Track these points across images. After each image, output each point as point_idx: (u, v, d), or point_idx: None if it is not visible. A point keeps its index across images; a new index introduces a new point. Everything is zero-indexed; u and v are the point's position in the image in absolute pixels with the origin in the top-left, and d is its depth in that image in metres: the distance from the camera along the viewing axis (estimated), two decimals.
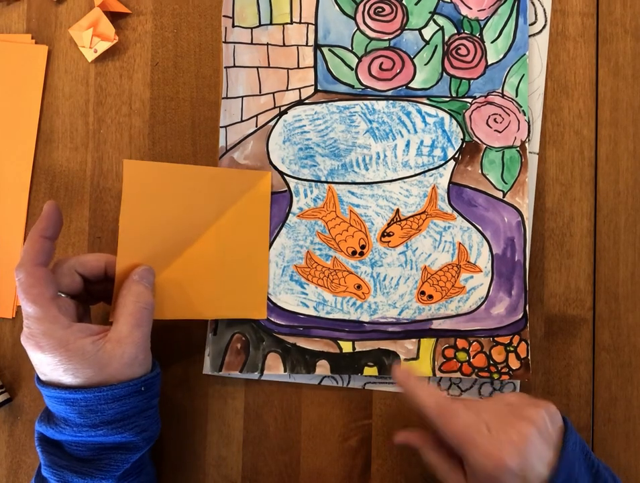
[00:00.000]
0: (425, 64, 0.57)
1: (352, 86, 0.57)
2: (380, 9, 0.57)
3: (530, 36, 0.58)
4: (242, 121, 0.57)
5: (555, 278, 0.57)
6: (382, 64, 0.57)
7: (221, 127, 0.57)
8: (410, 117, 0.57)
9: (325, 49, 0.57)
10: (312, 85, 0.57)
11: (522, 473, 0.43)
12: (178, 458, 0.56)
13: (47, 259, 0.47)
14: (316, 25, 0.57)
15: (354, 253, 0.56)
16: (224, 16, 0.57)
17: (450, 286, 0.56)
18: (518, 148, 0.57)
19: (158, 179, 0.51)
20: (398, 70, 0.57)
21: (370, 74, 0.57)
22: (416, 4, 0.57)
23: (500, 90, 0.57)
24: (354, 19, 0.57)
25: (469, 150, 0.57)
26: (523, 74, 0.57)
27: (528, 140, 0.57)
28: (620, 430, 0.57)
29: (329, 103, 0.57)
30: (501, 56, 0.57)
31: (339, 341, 0.56)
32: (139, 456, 0.48)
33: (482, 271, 0.56)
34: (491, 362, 0.55)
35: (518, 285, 0.56)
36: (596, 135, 0.58)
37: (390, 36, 0.57)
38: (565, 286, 0.57)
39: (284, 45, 0.57)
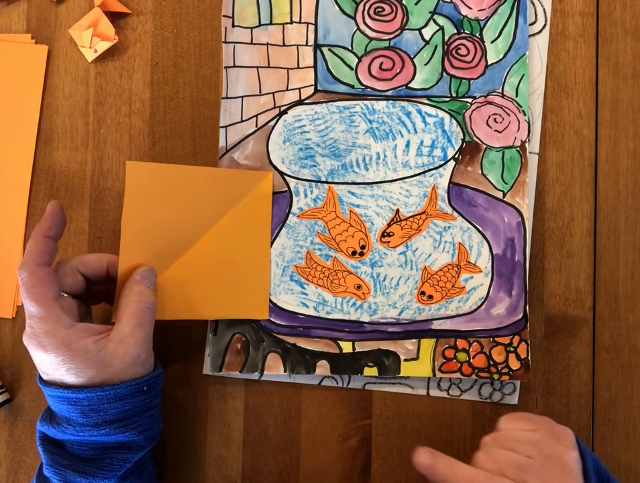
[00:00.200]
0: (425, 64, 0.57)
1: (352, 86, 0.57)
2: (380, 9, 0.57)
3: (530, 36, 0.58)
4: (242, 121, 0.57)
5: (555, 278, 0.57)
6: (382, 64, 0.57)
7: (221, 127, 0.57)
8: (410, 117, 0.57)
9: (324, 49, 0.57)
10: (312, 85, 0.57)
11: None
12: (178, 458, 0.56)
13: (50, 259, 0.47)
14: (316, 25, 0.57)
15: (354, 253, 0.56)
16: (224, 16, 0.57)
17: (450, 287, 0.56)
18: (518, 148, 0.57)
19: (160, 180, 0.51)
20: (398, 70, 0.57)
21: (370, 74, 0.57)
22: (416, 4, 0.57)
23: (500, 90, 0.57)
24: (354, 18, 0.57)
25: (469, 150, 0.57)
26: (523, 74, 0.57)
27: (528, 140, 0.57)
28: (620, 430, 0.57)
29: (329, 103, 0.57)
30: (501, 56, 0.57)
31: (339, 342, 0.56)
32: (141, 455, 0.48)
33: (482, 271, 0.56)
34: (491, 362, 0.55)
35: (518, 285, 0.56)
36: (596, 135, 0.58)
37: (390, 36, 0.57)
38: (565, 286, 0.57)
39: (284, 45, 0.57)
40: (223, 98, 0.57)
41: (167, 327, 0.55)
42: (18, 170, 0.57)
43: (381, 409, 0.57)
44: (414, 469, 0.56)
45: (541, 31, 0.58)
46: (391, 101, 0.57)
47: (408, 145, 0.57)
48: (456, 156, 0.57)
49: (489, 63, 0.57)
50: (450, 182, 0.57)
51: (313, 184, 0.57)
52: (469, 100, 0.57)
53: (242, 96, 0.57)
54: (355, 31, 0.57)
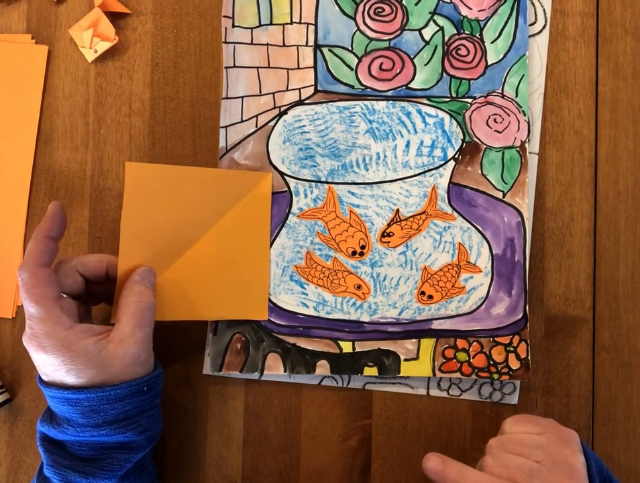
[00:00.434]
0: (425, 64, 0.57)
1: (352, 87, 0.57)
2: (380, 9, 0.57)
3: (530, 36, 0.58)
4: (242, 121, 0.57)
5: (555, 278, 0.57)
6: (382, 64, 0.57)
7: (221, 127, 0.57)
8: (410, 117, 0.57)
9: (324, 50, 0.57)
10: (312, 85, 0.57)
11: None
12: (178, 458, 0.56)
13: (50, 259, 0.47)
14: (316, 25, 0.57)
15: (354, 253, 0.56)
16: (224, 16, 0.57)
17: (450, 286, 0.56)
18: (518, 148, 0.57)
19: (159, 181, 0.51)
20: (398, 71, 0.57)
21: (370, 75, 0.57)
22: (416, 4, 0.57)
23: (500, 91, 0.57)
24: (354, 19, 0.57)
25: (469, 150, 0.57)
26: (523, 75, 0.57)
27: (528, 140, 0.57)
28: (620, 430, 0.57)
29: (329, 103, 0.57)
30: (501, 56, 0.57)
31: (339, 341, 0.56)
32: (141, 456, 0.48)
33: (481, 271, 0.56)
34: (491, 362, 0.55)
35: (518, 285, 0.56)
36: (596, 135, 0.58)
37: (390, 36, 0.57)
38: (565, 286, 0.57)
39: (284, 45, 0.57)
40: (223, 98, 0.57)
41: (167, 327, 0.55)
42: (18, 170, 0.57)
43: (381, 409, 0.57)
44: (414, 469, 0.56)
45: (541, 31, 0.58)
46: (391, 101, 0.57)
47: (408, 145, 0.57)
48: (456, 156, 0.57)
49: (489, 63, 0.57)
50: (450, 182, 0.57)
51: (313, 184, 0.57)
52: (469, 100, 0.57)
53: (242, 97, 0.57)
54: (355, 31, 0.57)
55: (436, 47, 0.57)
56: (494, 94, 0.57)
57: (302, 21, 0.57)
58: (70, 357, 0.45)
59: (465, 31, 0.57)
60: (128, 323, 0.47)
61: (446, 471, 0.45)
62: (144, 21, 0.58)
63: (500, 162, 0.57)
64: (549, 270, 0.57)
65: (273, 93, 0.57)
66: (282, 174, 0.57)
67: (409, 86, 0.57)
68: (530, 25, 0.58)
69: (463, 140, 0.57)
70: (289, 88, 0.57)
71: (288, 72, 0.57)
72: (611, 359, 0.57)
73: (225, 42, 0.57)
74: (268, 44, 0.57)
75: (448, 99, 0.57)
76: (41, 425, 0.48)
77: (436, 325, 0.56)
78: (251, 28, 0.57)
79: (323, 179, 0.57)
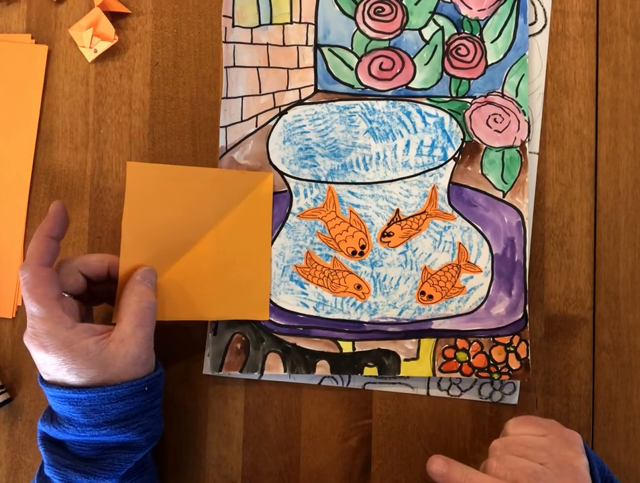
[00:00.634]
0: (425, 64, 0.57)
1: (352, 86, 0.57)
2: (380, 9, 0.57)
3: (530, 36, 0.58)
4: (242, 121, 0.57)
5: (555, 278, 0.57)
6: (382, 64, 0.57)
7: (221, 127, 0.57)
8: (410, 117, 0.57)
9: (324, 49, 0.57)
10: (312, 85, 0.57)
11: None
12: (178, 458, 0.56)
13: (52, 259, 0.47)
14: (316, 25, 0.57)
15: (354, 253, 0.56)
16: (224, 16, 0.57)
17: (450, 286, 0.56)
18: (518, 148, 0.57)
19: (161, 181, 0.51)
20: (398, 70, 0.57)
21: (370, 74, 0.57)
22: (416, 4, 0.57)
23: (500, 90, 0.57)
24: (354, 18, 0.57)
25: (469, 150, 0.57)
26: (523, 74, 0.57)
27: (528, 140, 0.57)
28: (620, 430, 0.57)
29: (329, 103, 0.57)
30: (501, 56, 0.57)
31: (339, 341, 0.56)
32: (142, 456, 0.48)
33: (482, 271, 0.56)
34: (491, 362, 0.55)
35: (518, 285, 0.56)
36: (596, 135, 0.58)
37: (390, 36, 0.57)
38: (565, 286, 0.57)
39: (284, 45, 0.57)
40: (223, 98, 0.57)
41: (167, 327, 0.55)
42: (18, 170, 0.57)
43: (381, 409, 0.57)
44: (414, 469, 0.56)
45: (541, 31, 0.58)
46: (391, 101, 0.57)
47: (408, 145, 0.57)
48: (456, 156, 0.57)
49: (489, 63, 0.57)
50: (450, 182, 0.57)
51: (313, 184, 0.57)
52: (469, 100, 0.57)
53: (242, 96, 0.57)
54: (355, 31, 0.57)
55: (436, 46, 0.57)
56: (494, 93, 0.57)
57: (302, 21, 0.57)
58: (71, 357, 0.45)
59: (465, 31, 0.57)
60: (129, 322, 0.47)
61: (451, 474, 0.45)
62: (144, 21, 0.58)
63: (500, 161, 0.57)
64: (549, 270, 0.57)
65: (273, 93, 0.57)
66: (282, 173, 0.56)
67: (409, 85, 0.57)
68: (530, 25, 0.58)
69: (463, 140, 0.57)
70: (289, 88, 0.57)
71: (288, 71, 0.57)
72: (611, 359, 0.57)
73: (225, 42, 0.57)
74: (267, 44, 0.57)
75: (448, 99, 0.57)
76: (42, 425, 0.48)
77: (436, 325, 0.56)
78: (251, 28, 0.57)
79: (323, 179, 0.57)
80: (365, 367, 0.55)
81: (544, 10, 0.58)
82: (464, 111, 0.57)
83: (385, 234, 0.57)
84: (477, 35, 0.57)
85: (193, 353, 0.57)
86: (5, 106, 0.57)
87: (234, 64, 0.57)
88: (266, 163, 0.56)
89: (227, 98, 0.57)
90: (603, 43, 0.58)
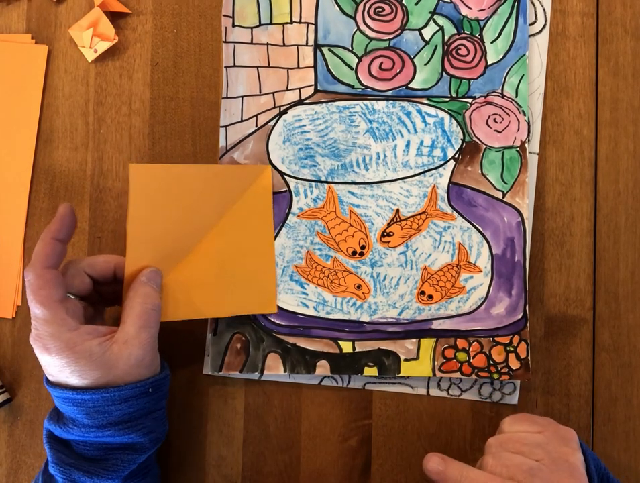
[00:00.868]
0: (425, 64, 0.57)
1: (352, 86, 0.57)
2: (380, 9, 0.57)
3: (530, 36, 0.58)
4: (242, 120, 0.57)
5: (555, 278, 0.57)
6: (382, 64, 0.57)
7: (221, 126, 0.57)
8: (410, 117, 0.57)
9: (324, 49, 0.57)
10: (312, 85, 0.57)
11: None
12: (178, 458, 0.56)
13: (57, 261, 0.47)
14: (316, 25, 0.57)
15: (354, 253, 0.56)
16: (224, 15, 0.57)
17: (450, 286, 0.56)
18: (518, 148, 0.57)
19: (163, 181, 0.51)
20: (398, 70, 0.57)
21: (370, 74, 0.57)
22: (416, 4, 0.57)
23: (499, 91, 0.57)
24: (354, 19, 0.57)
25: (469, 150, 0.57)
26: (523, 74, 0.57)
27: (528, 140, 0.57)
28: (620, 430, 0.57)
29: (329, 103, 0.57)
30: (501, 56, 0.57)
31: (339, 341, 0.56)
32: (145, 457, 0.48)
33: (481, 271, 0.56)
34: (491, 362, 0.55)
35: (518, 285, 0.56)
36: (596, 135, 0.58)
37: (390, 36, 0.57)
38: (565, 286, 0.57)
39: (284, 45, 0.57)
40: (223, 98, 0.57)
41: (167, 327, 0.55)
42: (18, 170, 0.57)
43: (381, 409, 0.57)
44: (414, 469, 0.56)
45: (541, 31, 0.58)
46: (391, 101, 0.57)
47: (408, 145, 0.57)
48: (456, 156, 0.57)
49: (489, 63, 0.57)
50: (450, 182, 0.57)
51: (313, 184, 0.57)
52: (469, 100, 0.57)
53: (242, 96, 0.57)
54: (355, 31, 0.57)
55: (436, 47, 0.57)
56: (494, 94, 0.57)
57: (302, 21, 0.57)
58: (74, 359, 0.45)
59: (465, 31, 0.57)
60: (133, 324, 0.47)
61: (447, 471, 0.45)
62: (144, 21, 0.58)
63: (500, 161, 0.57)
64: (549, 270, 0.57)
65: (273, 93, 0.57)
66: (282, 173, 0.56)
67: (409, 85, 0.57)
68: (530, 25, 0.58)
69: (463, 140, 0.57)
70: (289, 88, 0.57)
71: (288, 71, 0.57)
72: (611, 359, 0.57)
73: (225, 41, 0.57)
74: (268, 44, 0.57)
75: (448, 99, 0.57)
76: (48, 423, 0.48)
77: (436, 325, 0.56)
78: (251, 28, 0.57)
79: (323, 179, 0.57)
80: (365, 367, 0.55)
81: (544, 10, 0.58)
82: (464, 111, 0.57)
83: (385, 234, 0.57)
84: (477, 35, 0.57)
85: (193, 353, 0.57)
86: (5, 106, 0.57)
87: (234, 63, 0.57)
88: (266, 163, 0.56)
89: (227, 98, 0.57)
90: (603, 43, 0.58)
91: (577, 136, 0.58)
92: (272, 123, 0.57)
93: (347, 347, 0.56)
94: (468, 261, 0.56)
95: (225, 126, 0.57)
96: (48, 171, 0.58)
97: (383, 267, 0.56)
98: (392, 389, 0.56)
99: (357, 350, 0.56)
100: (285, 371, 0.55)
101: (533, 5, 0.58)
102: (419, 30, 0.57)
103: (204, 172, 0.54)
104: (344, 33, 0.57)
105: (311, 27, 0.57)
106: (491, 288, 0.56)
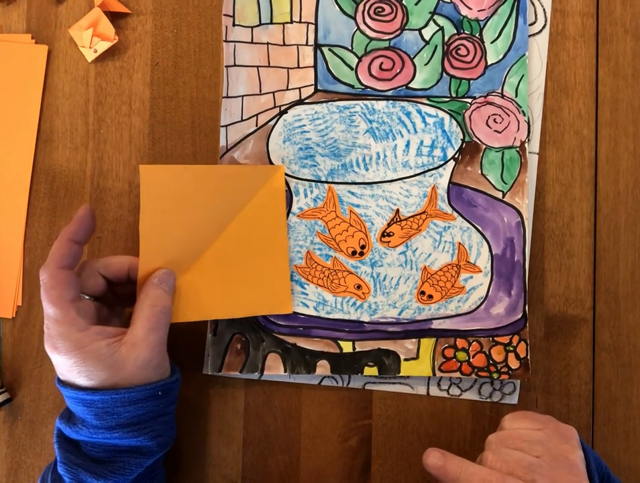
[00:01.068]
0: (425, 64, 0.57)
1: (352, 86, 0.57)
2: (380, 9, 0.57)
3: (530, 36, 0.58)
4: (242, 120, 0.57)
5: (555, 278, 0.57)
6: (382, 64, 0.57)
7: (222, 126, 0.57)
8: (410, 117, 0.57)
9: (325, 49, 0.57)
10: (312, 85, 0.57)
11: None
12: (178, 458, 0.56)
13: (72, 262, 0.47)
14: (316, 24, 0.57)
15: (354, 253, 0.56)
16: (224, 15, 0.57)
17: (450, 286, 0.56)
18: (517, 148, 0.57)
19: (174, 182, 0.51)
20: (398, 70, 0.57)
21: (370, 74, 0.57)
22: (416, 4, 0.57)
23: (499, 91, 0.57)
24: (354, 18, 0.57)
25: (469, 150, 0.57)
26: (523, 75, 0.57)
27: (528, 140, 0.57)
28: (620, 430, 0.57)
29: (329, 103, 0.57)
30: (501, 56, 0.57)
31: (339, 341, 0.56)
32: (153, 461, 0.48)
33: (481, 271, 0.56)
34: (490, 362, 0.55)
35: (517, 285, 0.56)
36: (596, 135, 0.58)
37: (390, 36, 0.57)
38: (565, 286, 0.57)
39: (284, 44, 0.57)
40: (223, 97, 0.57)
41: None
42: (18, 170, 0.57)
43: (381, 409, 0.57)
44: (414, 469, 0.56)
45: (540, 31, 0.58)
46: (391, 101, 0.57)
47: (408, 145, 0.57)
48: (456, 156, 0.57)
49: (489, 63, 0.57)
50: (450, 182, 0.57)
51: (313, 183, 0.57)
52: (469, 100, 0.57)
53: (242, 96, 0.57)
54: (355, 31, 0.57)
55: (436, 47, 0.57)
56: (494, 94, 0.57)
57: (303, 21, 0.57)
58: (82, 359, 0.45)
59: (465, 31, 0.57)
60: (142, 326, 0.47)
61: (446, 466, 0.45)
62: (144, 21, 0.58)
63: (500, 161, 0.57)
64: (549, 270, 0.57)
65: (273, 92, 0.57)
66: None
67: (409, 86, 0.57)
68: (530, 25, 0.58)
69: (463, 140, 0.57)
70: (289, 88, 0.57)
71: (288, 71, 0.57)
72: (611, 359, 0.57)
73: (226, 41, 0.57)
74: (268, 43, 0.57)
75: (448, 99, 0.57)
76: (59, 422, 0.48)
77: (436, 325, 0.56)
78: (252, 27, 0.57)
79: (323, 179, 0.57)
80: (366, 367, 0.55)
81: (544, 10, 0.58)
82: (464, 111, 0.57)
83: (385, 234, 0.57)
84: (477, 35, 0.57)
85: (193, 353, 0.57)
86: (5, 106, 0.57)
87: (234, 63, 0.57)
88: (266, 162, 0.56)
89: (227, 97, 0.57)
90: (603, 43, 0.59)
91: (577, 136, 0.58)
92: (272, 122, 0.57)
93: (347, 347, 0.56)
94: (468, 261, 0.56)
95: (226, 126, 0.57)
96: (48, 171, 0.58)
97: (383, 267, 0.56)
98: (392, 389, 0.56)
99: (357, 350, 0.56)
100: (285, 371, 0.55)
101: (533, 5, 0.58)
102: (419, 30, 0.57)
103: (217, 172, 0.53)
104: (344, 33, 0.57)
105: (311, 27, 0.57)
106: (491, 288, 0.56)
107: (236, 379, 0.57)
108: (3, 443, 0.57)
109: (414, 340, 0.56)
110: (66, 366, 0.45)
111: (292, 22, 0.57)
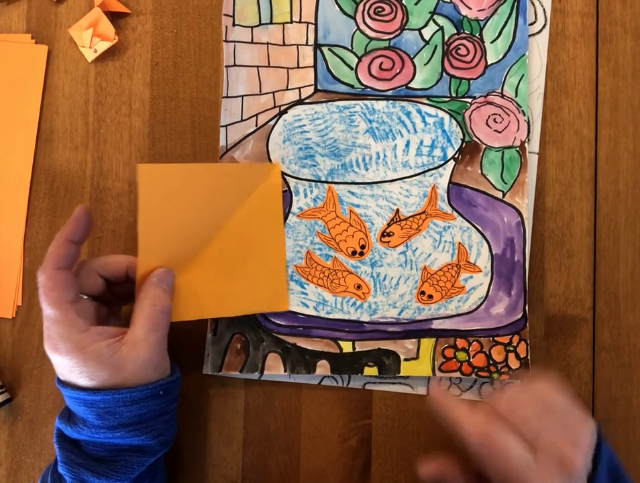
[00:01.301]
0: (425, 64, 0.57)
1: (352, 86, 0.57)
2: (380, 9, 0.57)
3: (530, 36, 0.58)
4: (242, 120, 0.57)
5: (555, 278, 0.57)
6: (381, 63, 0.57)
7: (222, 126, 0.57)
8: (410, 117, 0.57)
9: (324, 49, 0.57)
10: (312, 85, 0.57)
11: None
12: (178, 458, 0.56)
13: (70, 263, 0.47)
14: (316, 24, 0.57)
15: (354, 253, 0.56)
16: (224, 15, 0.57)
17: (450, 286, 0.56)
18: (517, 148, 0.57)
19: (172, 180, 0.51)
20: (398, 70, 0.57)
21: (370, 74, 0.57)
22: (416, 4, 0.57)
23: (499, 90, 0.57)
24: (354, 18, 0.57)
25: (469, 150, 0.57)
26: (523, 74, 0.57)
27: (528, 140, 0.57)
28: (620, 430, 0.57)
29: (329, 103, 0.57)
30: (501, 56, 0.57)
31: (339, 341, 0.56)
32: (154, 460, 0.48)
33: (481, 271, 0.56)
34: (491, 362, 0.55)
35: (517, 285, 0.56)
36: (596, 135, 0.58)
37: (390, 36, 0.57)
38: (565, 286, 0.57)
39: (284, 44, 0.57)
40: (223, 97, 0.57)
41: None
42: (18, 170, 0.57)
43: (381, 409, 0.57)
44: (414, 469, 0.56)
45: (540, 31, 0.58)
46: (391, 101, 0.57)
47: (408, 145, 0.57)
48: (456, 156, 0.57)
49: (489, 63, 0.57)
50: (450, 182, 0.57)
51: (313, 183, 0.57)
52: (469, 100, 0.57)
53: (242, 96, 0.57)
54: (355, 31, 0.57)
55: (436, 46, 0.57)
56: (494, 94, 0.57)
57: (302, 20, 0.57)
58: (82, 360, 0.45)
59: (465, 31, 0.57)
60: (142, 326, 0.47)
61: (445, 404, 0.47)
62: (144, 21, 0.58)
63: (500, 161, 0.57)
64: (549, 270, 0.57)
65: (273, 92, 0.57)
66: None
67: (409, 85, 0.57)
68: (530, 25, 0.58)
69: (462, 140, 0.57)
70: (289, 88, 0.57)
71: (288, 71, 0.57)
72: (611, 359, 0.57)
73: (226, 41, 0.57)
74: (268, 43, 0.57)
75: (448, 99, 0.57)
76: (59, 422, 0.48)
77: (436, 325, 0.56)
78: (252, 27, 0.57)
79: (323, 179, 0.57)
80: (366, 367, 0.55)
81: (544, 10, 0.58)
82: (464, 111, 0.57)
83: (385, 234, 0.57)
84: (477, 35, 0.57)
85: (193, 353, 0.57)
86: (5, 106, 0.57)
87: (234, 63, 0.57)
88: (266, 162, 0.56)
89: (227, 97, 0.57)
90: (603, 43, 0.59)
91: (577, 136, 0.58)
92: (272, 122, 0.57)
93: (347, 346, 0.56)
94: (468, 261, 0.56)
95: (225, 126, 0.57)
96: (48, 171, 0.58)
97: (383, 267, 0.56)
98: (392, 389, 0.56)
99: (357, 350, 0.56)
100: (285, 371, 0.55)
101: (533, 4, 0.58)
102: (419, 30, 0.57)
103: (214, 171, 0.53)
104: (344, 33, 0.57)
105: (311, 27, 0.57)
106: (491, 287, 0.56)
107: (236, 379, 0.57)
108: (3, 443, 0.57)
109: (414, 340, 0.56)
110: (67, 367, 0.45)
111: (292, 22, 0.57)
